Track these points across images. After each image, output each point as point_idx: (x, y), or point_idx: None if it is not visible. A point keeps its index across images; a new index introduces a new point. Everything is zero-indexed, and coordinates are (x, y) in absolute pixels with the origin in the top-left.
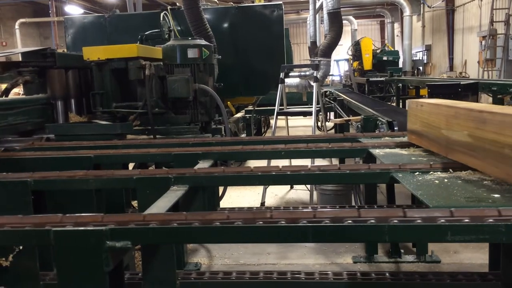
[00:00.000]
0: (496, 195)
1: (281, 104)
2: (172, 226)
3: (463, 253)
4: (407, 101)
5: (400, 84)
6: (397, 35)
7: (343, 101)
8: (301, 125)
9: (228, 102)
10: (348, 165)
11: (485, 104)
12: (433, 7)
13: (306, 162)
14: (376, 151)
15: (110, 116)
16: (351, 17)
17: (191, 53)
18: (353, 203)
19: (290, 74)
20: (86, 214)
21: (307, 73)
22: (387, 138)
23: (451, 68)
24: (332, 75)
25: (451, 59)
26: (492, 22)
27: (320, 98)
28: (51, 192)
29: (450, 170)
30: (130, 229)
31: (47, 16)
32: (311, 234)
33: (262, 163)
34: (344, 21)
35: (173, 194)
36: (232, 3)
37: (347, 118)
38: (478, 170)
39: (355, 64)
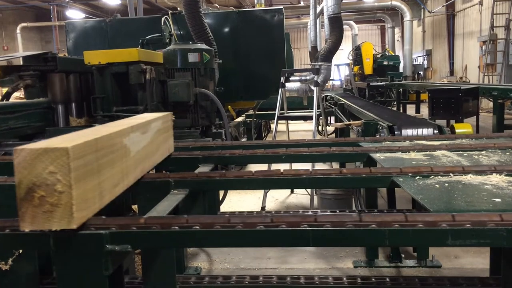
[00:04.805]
0: (497, 200)
1: (282, 109)
2: (172, 230)
3: (464, 257)
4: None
5: (401, 89)
6: (398, 40)
7: (343, 106)
8: (301, 130)
9: (229, 107)
10: (348, 169)
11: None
12: (433, 12)
13: (306, 166)
14: (376, 155)
15: (111, 120)
16: (351, 22)
17: (192, 57)
18: (354, 208)
19: (290, 78)
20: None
21: (308, 77)
22: (387, 142)
23: (452, 73)
24: (332, 79)
25: (451, 64)
26: (492, 27)
27: (320, 103)
28: None
29: (451, 174)
30: (130, 232)
31: (49, 21)
32: (311, 238)
33: (263, 167)
34: (344, 26)
35: (173, 198)
36: (232, 8)
37: (348, 122)
38: None
39: (356, 68)
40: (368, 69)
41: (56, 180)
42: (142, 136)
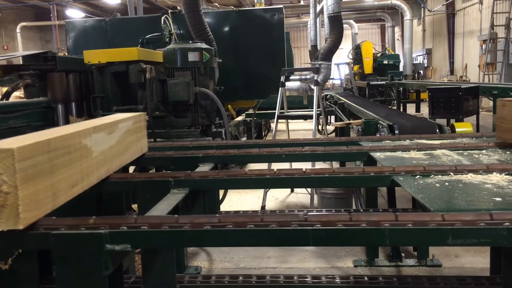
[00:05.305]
0: (497, 199)
1: (282, 108)
2: (171, 230)
3: (464, 257)
4: None
5: (401, 88)
6: (398, 39)
7: (343, 105)
8: (301, 129)
9: (229, 106)
10: (348, 168)
11: None
12: (433, 11)
13: (306, 165)
14: (376, 155)
15: None
16: (351, 21)
17: (192, 57)
18: (354, 207)
19: (290, 77)
20: (86, 217)
21: (308, 76)
22: (388, 141)
23: (452, 72)
24: (332, 78)
25: (451, 63)
26: (492, 26)
27: (320, 102)
28: None
29: (451, 173)
30: (130, 232)
31: (48, 20)
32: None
33: (263, 166)
34: (344, 25)
35: (173, 198)
36: (232, 7)
37: (348, 121)
38: None
39: (356, 67)
40: (368, 68)
41: (2, 181)
42: (107, 136)
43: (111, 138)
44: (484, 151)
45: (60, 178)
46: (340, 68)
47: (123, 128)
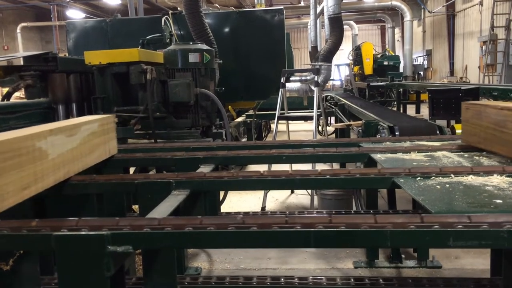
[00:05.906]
0: (498, 201)
1: (282, 109)
2: (173, 231)
3: (464, 258)
4: None
5: (401, 89)
6: (398, 40)
7: (344, 106)
8: (302, 130)
9: (229, 107)
10: (349, 169)
11: None
12: (433, 12)
13: (307, 166)
14: (377, 156)
15: None
16: (352, 22)
17: (192, 58)
18: (354, 208)
19: (291, 78)
20: (87, 218)
21: (308, 77)
22: (388, 143)
23: (452, 73)
24: (333, 79)
25: (451, 64)
26: (492, 27)
27: (321, 103)
28: (51, 197)
29: (452, 175)
30: (131, 233)
31: (49, 20)
32: (312, 240)
33: (263, 167)
34: (345, 26)
35: (174, 199)
36: (233, 8)
37: (348, 122)
38: None
39: (356, 68)
40: (368, 69)
41: None
42: (67, 138)
43: (72, 141)
44: (484, 152)
45: (8, 180)
46: (340, 69)
47: (87, 131)
